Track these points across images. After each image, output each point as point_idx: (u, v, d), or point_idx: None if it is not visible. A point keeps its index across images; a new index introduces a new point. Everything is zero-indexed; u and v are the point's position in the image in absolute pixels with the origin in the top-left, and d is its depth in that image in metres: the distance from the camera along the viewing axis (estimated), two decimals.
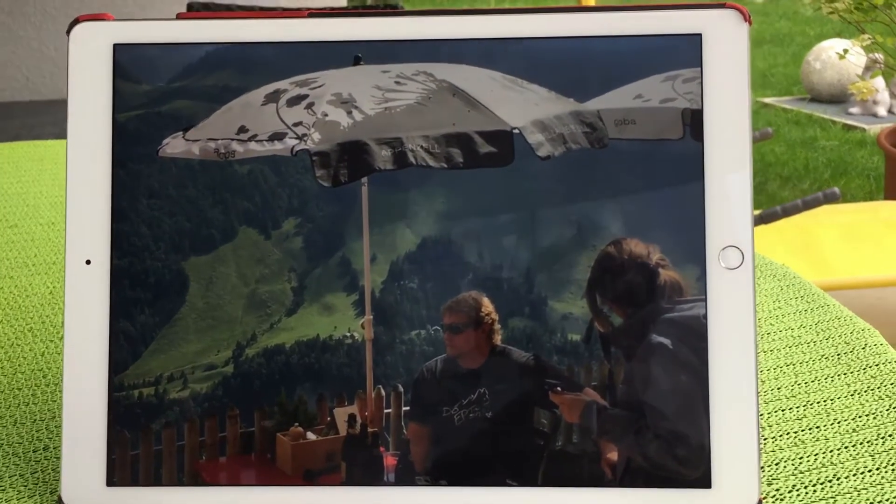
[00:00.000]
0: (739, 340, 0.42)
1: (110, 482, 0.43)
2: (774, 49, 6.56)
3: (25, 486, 0.46)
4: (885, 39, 2.65)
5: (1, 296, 0.68)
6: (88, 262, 0.44)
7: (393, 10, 0.45)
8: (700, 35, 0.43)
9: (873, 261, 2.07)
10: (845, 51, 2.84)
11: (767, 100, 5.23)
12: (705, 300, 0.43)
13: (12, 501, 0.45)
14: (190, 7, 2.73)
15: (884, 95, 4.62)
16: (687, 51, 0.43)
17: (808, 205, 2.04)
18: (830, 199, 2.06)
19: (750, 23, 0.43)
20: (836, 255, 2.06)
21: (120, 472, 0.43)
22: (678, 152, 0.43)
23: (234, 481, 0.44)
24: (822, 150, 4.33)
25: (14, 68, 3.23)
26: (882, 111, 4.64)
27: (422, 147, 0.44)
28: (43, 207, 0.86)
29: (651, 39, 0.43)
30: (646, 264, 0.43)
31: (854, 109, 4.74)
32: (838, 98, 4.88)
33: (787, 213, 2.03)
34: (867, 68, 3.89)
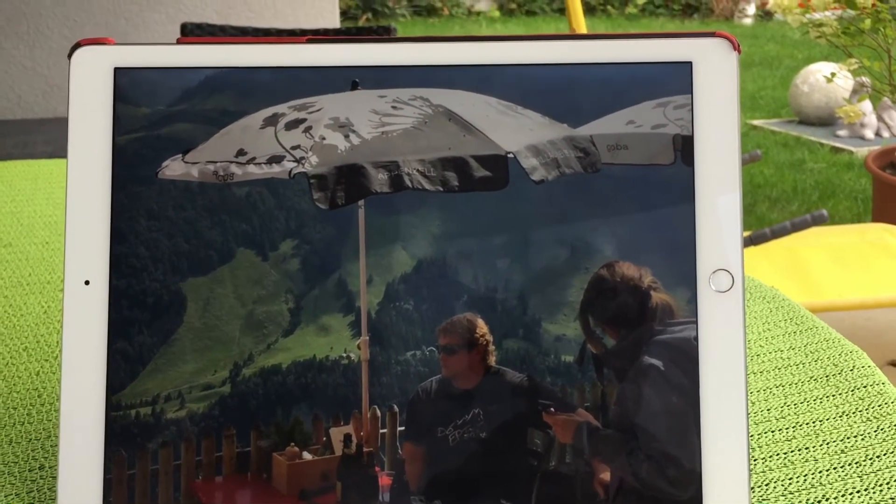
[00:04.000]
0: (730, 362, 0.43)
1: (106, 501, 0.43)
2: (763, 72, 6.62)
3: None
4: (873, 63, 2.68)
5: None
6: (87, 282, 0.44)
7: (390, 38, 0.45)
8: (690, 63, 0.44)
9: (861, 282, 2.09)
10: (833, 74, 2.88)
11: (756, 122, 5.27)
12: (696, 322, 0.43)
13: None
14: (183, 27, 2.74)
15: (871, 118, 4.66)
16: (678, 78, 0.44)
17: (797, 227, 2.06)
18: (819, 221, 2.08)
19: (739, 51, 0.44)
20: (824, 276, 2.07)
21: (116, 491, 0.43)
22: (669, 177, 0.44)
23: (230, 501, 0.44)
24: (810, 172, 4.37)
25: (6, 87, 3.24)
26: (869, 134, 4.69)
27: (418, 171, 0.44)
28: (37, 227, 0.86)
29: (643, 67, 0.44)
30: (638, 287, 0.44)
31: (842, 132, 4.78)
32: (826, 121, 4.92)
33: (776, 234, 2.05)
34: (854, 92, 3.94)
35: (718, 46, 0.44)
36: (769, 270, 2.01)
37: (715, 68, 0.44)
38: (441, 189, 0.44)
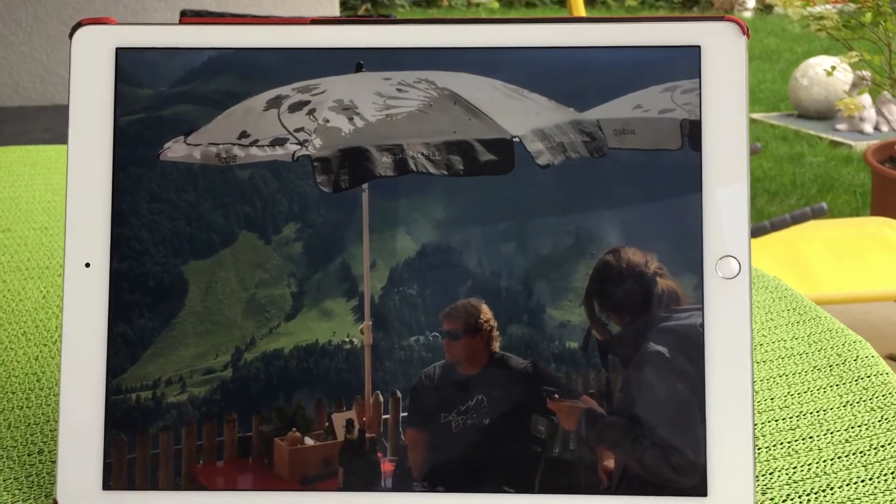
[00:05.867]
0: (736, 349, 0.43)
1: (106, 486, 0.43)
2: (763, 65, 6.61)
3: (20, 489, 0.46)
4: (873, 57, 2.68)
5: None
6: (88, 265, 0.44)
7: (395, 19, 0.45)
8: (699, 47, 0.44)
9: (859, 276, 2.09)
10: (833, 68, 2.87)
11: (755, 115, 5.27)
12: (702, 309, 0.43)
13: None
14: (182, 14, 2.73)
15: (870, 112, 4.66)
16: (686, 62, 0.44)
17: (797, 219, 2.06)
18: (818, 214, 2.08)
19: (748, 36, 0.44)
20: (822, 269, 2.07)
21: (116, 475, 0.43)
22: (676, 162, 0.44)
23: (231, 486, 0.44)
24: (809, 165, 4.36)
25: (5, 73, 3.22)
26: (868, 128, 4.68)
27: (422, 154, 0.44)
28: (36, 212, 0.85)
29: (651, 51, 0.44)
30: (644, 273, 0.43)
31: (841, 126, 4.78)
32: (825, 114, 4.92)
33: (776, 227, 2.05)
34: (854, 85, 3.93)
35: (727, 30, 0.44)
36: (768, 263, 2.01)
37: (724, 52, 0.44)
38: (446, 173, 0.44)
